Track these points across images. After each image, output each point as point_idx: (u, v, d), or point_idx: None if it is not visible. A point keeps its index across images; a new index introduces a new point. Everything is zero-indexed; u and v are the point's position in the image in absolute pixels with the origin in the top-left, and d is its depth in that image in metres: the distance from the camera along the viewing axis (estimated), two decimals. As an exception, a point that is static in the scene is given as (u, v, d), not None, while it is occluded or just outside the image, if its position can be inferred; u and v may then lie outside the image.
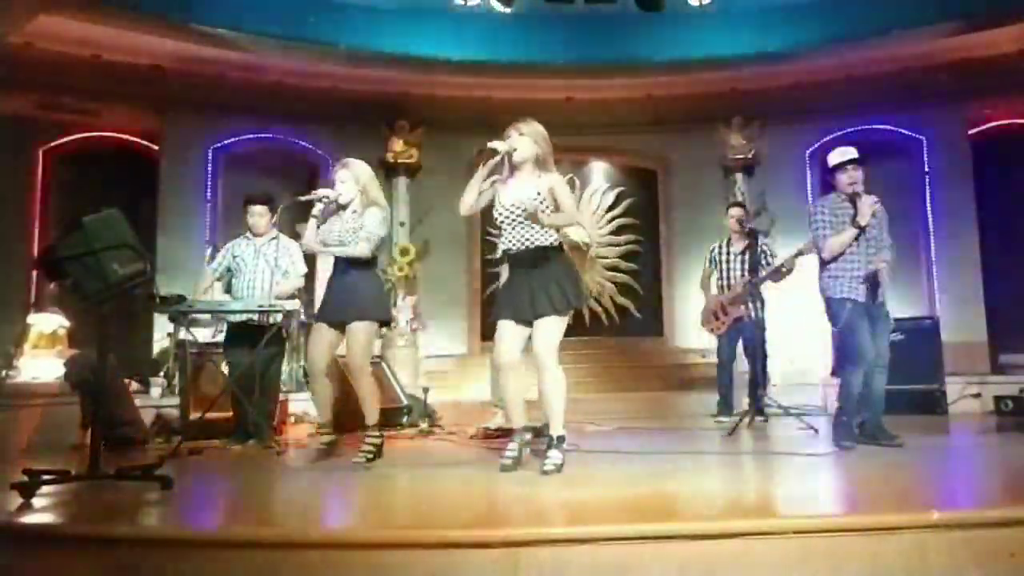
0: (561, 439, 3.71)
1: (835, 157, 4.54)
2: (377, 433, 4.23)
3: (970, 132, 8.96)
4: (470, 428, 5.70)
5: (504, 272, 4.17)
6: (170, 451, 4.58)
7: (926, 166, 9.17)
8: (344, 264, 4.23)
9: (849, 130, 9.08)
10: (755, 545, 2.37)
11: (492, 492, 3.36)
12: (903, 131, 9.20)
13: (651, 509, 2.89)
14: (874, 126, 9.20)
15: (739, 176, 9.36)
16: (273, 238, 5.35)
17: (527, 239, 3.73)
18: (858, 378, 4.37)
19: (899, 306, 8.65)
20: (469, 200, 3.80)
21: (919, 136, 9.18)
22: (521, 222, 3.71)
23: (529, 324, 3.72)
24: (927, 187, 9.12)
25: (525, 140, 3.77)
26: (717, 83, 9.06)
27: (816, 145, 9.18)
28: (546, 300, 3.65)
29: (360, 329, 4.17)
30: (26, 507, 2.94)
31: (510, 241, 3.77)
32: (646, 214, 10.08)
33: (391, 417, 6.56)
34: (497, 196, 3.81)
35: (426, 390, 6.63)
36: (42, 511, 2.94)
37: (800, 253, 5.85)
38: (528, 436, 3.85)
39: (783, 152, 9.32)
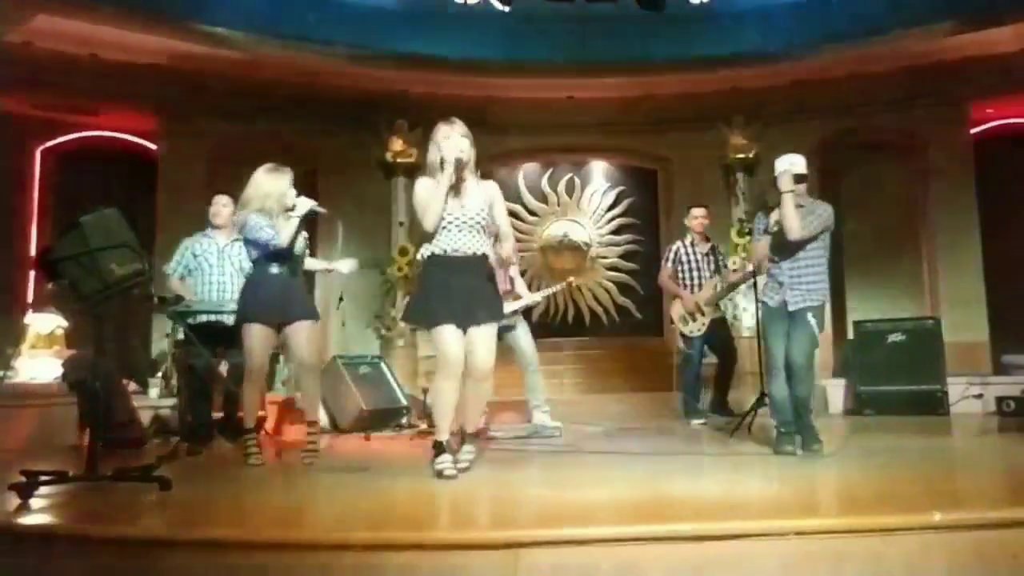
0: (475, 435, 3.89)
1: (779, 165, 4.51)
2: (318, 429, 4.41)
3: (972, 131, 8.94)
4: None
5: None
6: (168, 452, 4.57)
7: (927, 165, 9.15)
8: (281, 265, 4.29)
9: (849, 129, 9.09)
10: (755, 546, 2.36)
11: (492, 493, 3.35)
12: (904, 130, 9.18)
13: (651, 510, 2.88)
14: (875, 125, 9.19)
15: (740, 176, 9.34)
16: (236, 239, 5.31)
17: (474, 245, 3.69)
18: (776, 384, 4.34)
19: (900, 306, 8.71)
20: (439, 213, 3.67)
21: (920, 136, 9.15)
22: (471, 228, 3.68)
23: (463, 328, 3.66)
24: (928, 187, 9.09)
25: (467, 141, 3.76)
26: (717, 83, 9.04)
27: (817, 144, 9.16)
28: (485, 308, 3.67)
29: (310, 327, 4.32)
30: (24, 508, 2.93)
31: (456, 243, 3.67)
32: (646, 214, 10.06)
33: (391, 418, 6.57)
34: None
35: (425, 390, 6.62)
36: (40, 512, 2.93)
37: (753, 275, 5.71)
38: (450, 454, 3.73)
39: (784, 152, 9.26)
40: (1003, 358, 7.94)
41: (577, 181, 10.05)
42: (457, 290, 3.64)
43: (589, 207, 10.01)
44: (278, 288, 4.25)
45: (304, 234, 4.42)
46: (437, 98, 9.18)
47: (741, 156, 9.33)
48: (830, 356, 8.07)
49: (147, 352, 7.70)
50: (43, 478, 3.12)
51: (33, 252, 8.03)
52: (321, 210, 4.37)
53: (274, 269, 4.27)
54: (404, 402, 6.78)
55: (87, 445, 3.59)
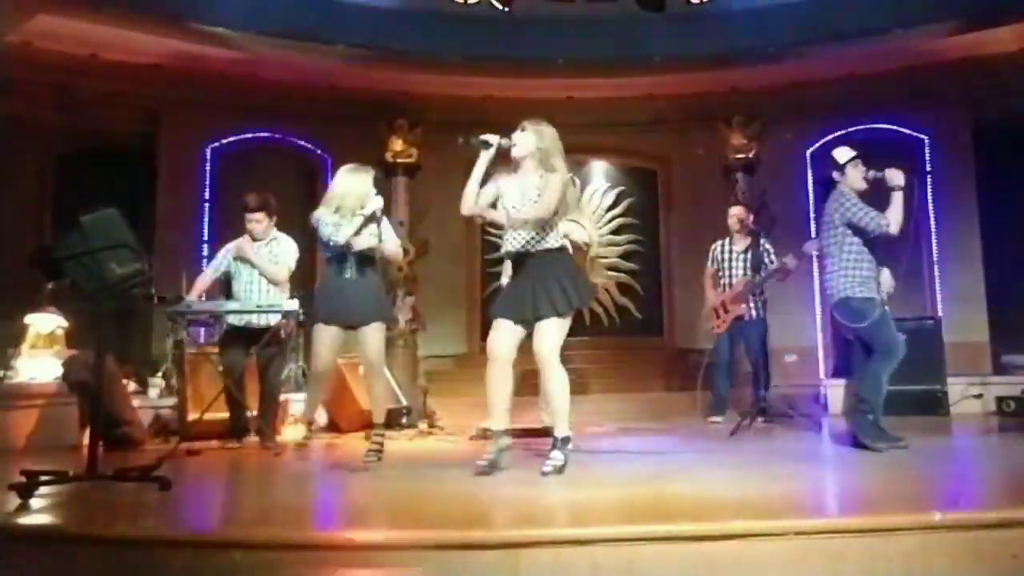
0: (566, 440, 3.70)
1: (843, 155, 4.47)
2: (383, 431, 4.36)
3: (972, 131, 8.94)
4: (470, 429, 5.68)
5: (506, 271, 4.15)
6: (168, 452, 4.57)
7: (927, 165, 9.14)
8: (356, 266, 4.27)
9: (850, 129, 9.08)
10: (756, 546, 2.36)
11: (492, 493, 3.35)
12: (904, 130, 9.17)
13: (652, 510, 2.88)
14: (875, 125, 9.18)
15: (740, 175, 9.34)
16: (272, 239, 5.33)
17: (528, 241, 3.70)
18: (889, 372, 4.36)
19: (900, 306, 8.68)
20: (469, 200, 3.76)
21: (921, 135, 9.15)
22: (523, 223, 3.71)
23: (528, 325, 3.70)
24: (929, 186, 9.09)
25: (527, 135, 3.76)
26: (717, 82, 9.04)
27: (817, 145, 9.16)
28: (547, 301, 3.63)
29: (378, 330, 4.31)
30: (24, 508, 2.93)
31: (512, 242, 3.74)
32: (646, 214, 10.06)
33: (391, 418, 6.56)
34: (502, 195, 3.80)
35: (425, 391, 6.62)
36: (40, 512, 2.93)
37: (802, 255, 5.90)
38: (508, 441, 3.76)
39: (784, 151, 9.29)
40: (1003, 358, 7.93)
41: (577, 181, 10.03)
42: (519, 286, 3.74)
43: (589, 207, 10.00)
44: (346, 290, 4.25)
45: (374, 230, 4.27)
46: (437, 98, 9.19)
47: (741, 156, 9.32)
48: (830, 356, 8.08)
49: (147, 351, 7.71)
50: (43, 478, 3.12)
51: (33, 252, 8.01)
52: (379, 215, 4.30)
53: (345, 271, 4.27)
54: (404, 402, 6.77)
55: (87, 445, 3.59)
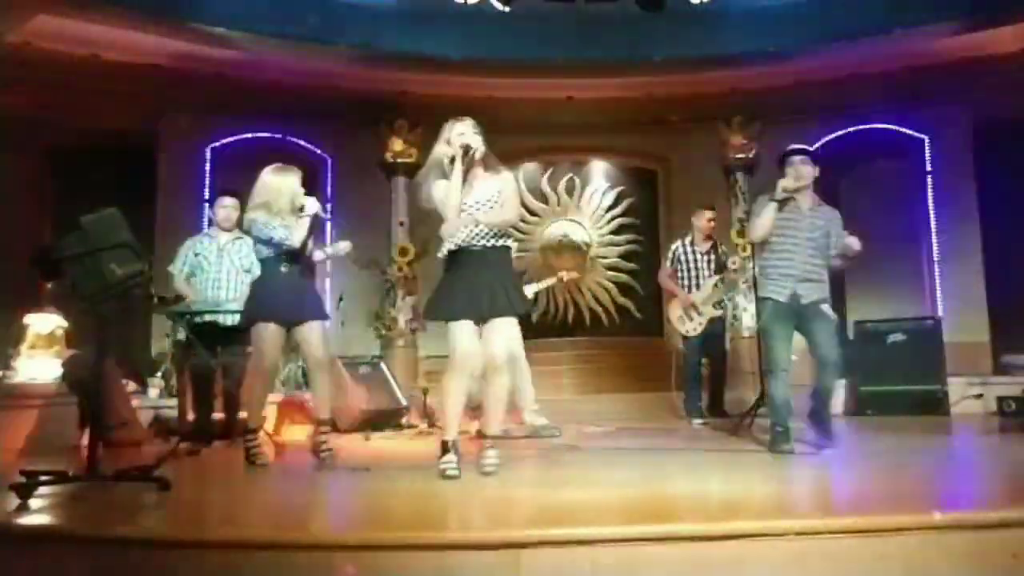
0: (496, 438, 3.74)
1: (802, 169, 4.39)
2: (328, 427, 4.39)
3: (972, 131, 8.94)
4: (469, 429, 5.68)
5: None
6: (168, 452, 4.56)
7: (928, 165, 9.15)
8: (291, 264, 4.28)
9: (850, 129, 9.09)
10: (755, 546, 2.36)
11: (492, 493, 3.35)
12: (904, 130, 9.17)
13: (651, 510, 2.88)
14: (875, 125, 9.19)
15: (740, 176, 9.34)
16: (237, 238, 5.30)
17: (484, 236, 3.68)
18: (778, 384, 4.28)
19: (900, 306, 8.71)
20: (453, 218, 3.71)
21: (920, 135, 9.15)
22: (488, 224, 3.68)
23: (481, 323, 3.64)
24: (929, 187, 9.09)
25: (478, 137, 3.75)
26: (717, 82, 9.03)
27: (817, 144, 9.15)
28: (505, 299, 3.60)
29: (322, 326, 4.34)
30: (24, 508, 2.93)
31: (466, 237, 3.69)
32: (646, 214, 10.06)
33: (390, 418, 6.56)
34: (447, 193, 3.78)
35: (425, 391, 6.62)
36: (40, 512, 2.93)
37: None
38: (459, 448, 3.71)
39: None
40: (1003, 358, 7.93)
41: (577, 181, 10.04)
42: (471, 283, 3.64)
43: (589, 207, 10.00)
44: (288, 287, 4.24)
45: (306, 227, 4.31)
46: (437, 98, 9.17)
47: (741, 156, 9.32)
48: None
49: (147, 351, 7.71)
50: (43, 478, 3.12)
51: (33, 252, 8.00)
52: (325, 215, 4.35)
53: (283, 268, 4.26)
54: (404, 402, 6.78)
55: (87, 445, 3.59)
